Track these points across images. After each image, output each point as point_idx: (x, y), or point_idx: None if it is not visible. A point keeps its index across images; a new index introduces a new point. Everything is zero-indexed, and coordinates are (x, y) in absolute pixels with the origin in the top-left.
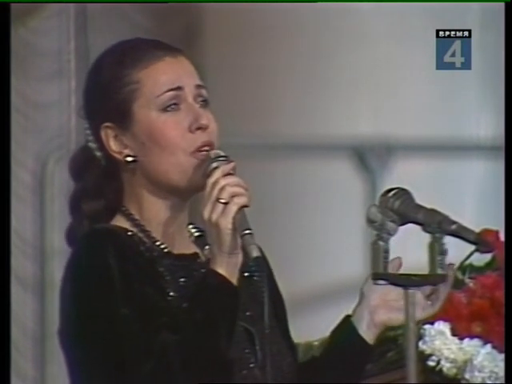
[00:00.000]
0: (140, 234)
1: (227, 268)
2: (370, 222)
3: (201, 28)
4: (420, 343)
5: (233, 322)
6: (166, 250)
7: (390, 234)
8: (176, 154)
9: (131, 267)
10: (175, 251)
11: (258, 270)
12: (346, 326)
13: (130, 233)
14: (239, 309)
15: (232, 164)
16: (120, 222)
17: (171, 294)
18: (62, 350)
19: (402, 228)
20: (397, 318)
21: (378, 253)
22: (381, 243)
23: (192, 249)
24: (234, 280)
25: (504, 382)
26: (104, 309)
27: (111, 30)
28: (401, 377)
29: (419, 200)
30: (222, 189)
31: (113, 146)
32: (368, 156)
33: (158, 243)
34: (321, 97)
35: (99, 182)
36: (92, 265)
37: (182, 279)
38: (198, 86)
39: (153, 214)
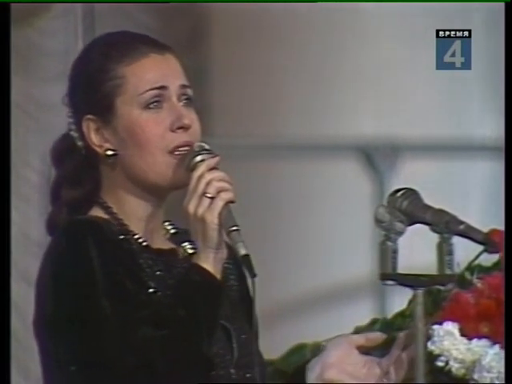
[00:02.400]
0: (118, 227)
1: (212, 263)
2: (378, 222)
3: (207, 28)
4: (429, 344)
5: (215, 318)
6: (144, 244)
7: (398, 234)
8: (154, 153)
9: (112, 259)
10: (154, 246)
11: (247, 268)
12: (301, 369)
13: (109, 224)
14: (221, 305)
15: (217, 158)
16: (98, 213)
17: (151, 287)
18: (36, 341)
19: (409, 228)
20: (346, 380)
21: (386, 253)
22: (389, 243)
23: (170, 245)
24: (218, 275)
25: (505, 382)
26: (84, 300)
27: (117, 30)
28: (409, 377)
29: (427, 200)
30: (209, 183)
31: (93, 138)
32: (375, 156)
33: (136, 237)
34: (328, 97)
35: (78, 171)
36: (72, 255)
37: (160, 273)
38: (183, 86)
39: (131, 209)
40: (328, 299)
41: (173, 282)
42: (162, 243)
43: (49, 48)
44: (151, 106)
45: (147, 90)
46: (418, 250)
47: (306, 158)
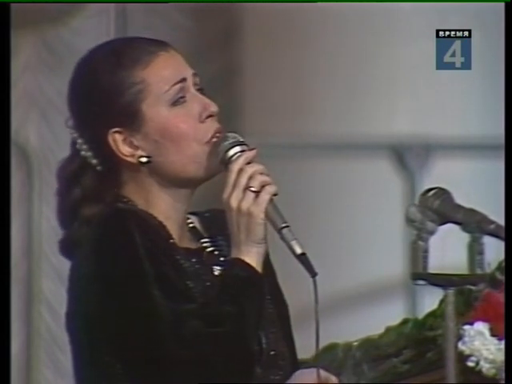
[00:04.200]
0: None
1: (255, 257)
2: (410, 221)
3: (240, 27)
4: (459, 344)
5: (261, 313)
6: (171, 241)
7: (430, 234)
8: (191, 145)
9: (156, 248)
10: (182, 245)
11: (306, 267)
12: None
13: (147, 214)
14: (265, 299)
15: (255, 151)
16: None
17: (191, 284)
18: (68, 335)
19: (441, 228)
20: None
21: (418, 253)
22: (420, 243)
23: (194, 245)
24: (260, 270)
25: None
26: (134, 289)
27: (151, 30)
28: (440, 377)
29: (458, 200)
30: (252, 177)
31: (123, 150)
32: (407, 155)
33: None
34: (360, 96)
35: (97, 188)
36: (118, 245)
37: (198, 269)
38: (195, 74)
39: (161, 209)
40: (359, 299)
41: (208, 278)
42: (188, 243)
43: (82, 47)
44: (177, 101)
45: (172, 86)
46: (449, 249)
47: (338, 157)
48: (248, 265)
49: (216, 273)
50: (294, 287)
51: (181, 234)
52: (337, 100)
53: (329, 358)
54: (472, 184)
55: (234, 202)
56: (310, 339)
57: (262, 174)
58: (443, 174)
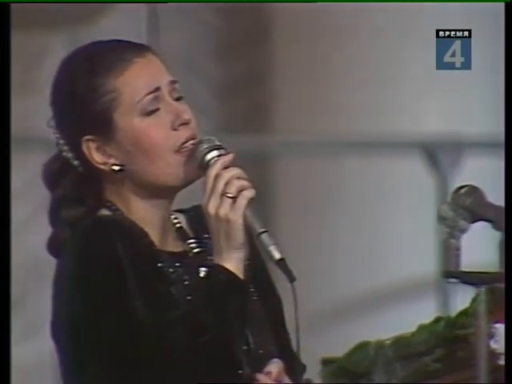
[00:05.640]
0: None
1: (235, 263)
2: (442, 219)
3: (271, 26)
4: (491, 342)
5: (244, 319)
6: (154, 248)
7: (462, 232)
8: (163, 155)
9: (139, 258)
10: (165, 249)
11: (284, 272)
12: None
13: (130, 222)
14: (247, 305)
15: (231, 155)
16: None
17: (172, 289)
18: (54, 342)
19: (473, 225)
20: None
21: (450, 250)
22: (452, 241)
23: (180, 247)
24: (242, 275)
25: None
26: (115, 301)
27: (183, 29)
28: (471, 376)
29: (490, 197)
30: (228, 182)
31: (96, 157)
32: (438, 153)
33: (150, 238)
34: (391, 94)
35: (77, 189)
36: (98, 254)
37: (177, 275)
38: (172, 82)
39: (141, 214)
40: (391, 297)
41: (191, 283)
42: (172, 246)
43: None
44: (150, 110)
45: (144, 96)
46: (480, 247)
47: (369, 156)
48: (229, 271)
49: (202, 274)
50: (320, 286)
51: (164, 237)
52: (368, 98)
53: (360, 356)
54: (503, 182)
55: (211, 209)
56: (341, 337)
57: (238, 178)
58: (475, 171)
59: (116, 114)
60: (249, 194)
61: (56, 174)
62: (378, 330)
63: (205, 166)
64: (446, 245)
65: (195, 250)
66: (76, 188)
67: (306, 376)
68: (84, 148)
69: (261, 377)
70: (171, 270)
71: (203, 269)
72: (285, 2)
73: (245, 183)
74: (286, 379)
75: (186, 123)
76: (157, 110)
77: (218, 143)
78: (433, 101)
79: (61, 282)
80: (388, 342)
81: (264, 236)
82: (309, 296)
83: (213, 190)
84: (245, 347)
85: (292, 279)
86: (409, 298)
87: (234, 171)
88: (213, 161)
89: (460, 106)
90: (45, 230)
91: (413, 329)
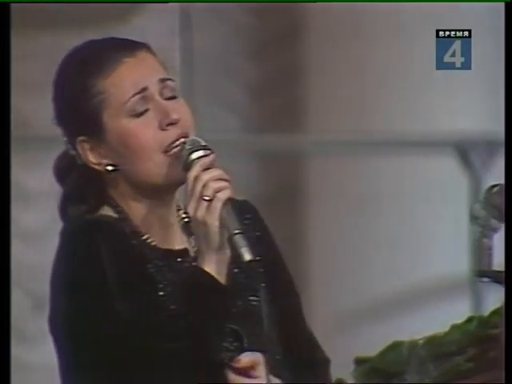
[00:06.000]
0: (129, 228)
1: (216, 266)
2: (474, 218)
3: (304, 26)
4: None
5: (222, 321)
6: (153, 244)
7: (494, 231)
8: (151, 156)
9: (123, 259)
10: (163, 247)
11: (252, 273)
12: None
13: (120, 223)
14: (229, 308)
15: (212, 156)
16: (108, 213)
17: (160, 290)
18: (51, 337)
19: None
20: None
21: (482, 250)
22: (484, 240)
23: (180, 245)
24: (223, 278)
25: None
26: (96, 302)
27: (216, 29)
28: (501, 376)
29: None
30: (205, 185)
31: (91, 158)
32: (471, 152)
33: (144, 237)
34: (423, 94)
35: (81, 188)
36: (82, 255)
37: (169, 275)
38: (162, 80)
39: (139, 212)
40: (424, 296)
41: (174, 285)
42: (171, 244)
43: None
44: (138, 111)
45: (130, 97)
46: None
47: (401, 155)
48: (207, 274)
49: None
50: (354, 286)
51: (165, 234)
52: (401, 97)
53: (393, 356)
54: None
55: (191, 212)
56: (374, 336)
57: (217, 180)
58: None
59: (105, 115)
60: (223, 195)
61: (63, 171)
62: (411, 330)
63: (188, 167)
64: (478, 244)
65: (196, 248)
66: (80, 187)
67: (338, 375)
68: (79, 148)
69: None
70: (161, 268)
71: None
72: (287, 1)
73: (222, 184)
74: (262, 374)
75: (174, 123)
76: (146, 110)
77: (203, 143)
78: (466, 100)
79: (52, 279)
80: (421, 341)
81: (237, 237)
82: (342, 296)
83: (192, 192)
84: (236, 344)
85: (260, 282)
86: (441, 298)
87: (213, 173)
88: (194, 162)
89: (492, 104)
90: None
91: (446, 328)
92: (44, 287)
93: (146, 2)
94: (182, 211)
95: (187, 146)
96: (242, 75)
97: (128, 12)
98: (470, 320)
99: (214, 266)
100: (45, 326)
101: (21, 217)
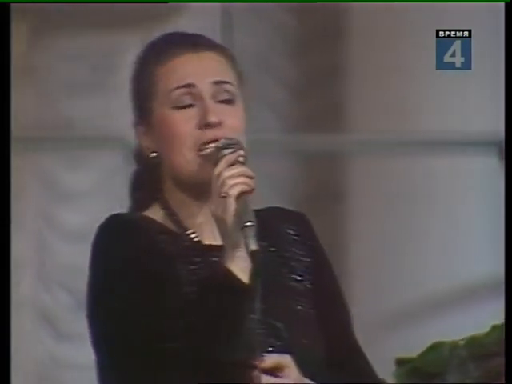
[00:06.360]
0: (171, 225)
1: (238, 263)
2: None
3: (344, 26)
4: None
5: (239, 318)
6: (196, 240)
7: None
8: (183, 151)
9: (149, 258)
10: (205, 242)
11: (254, 264)
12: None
13: (152, 223)
14: (248, 305)
15: (238, 152)
16: (155, 209)
17: (187, 288)
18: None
19: None
20: None
21: None
22: None
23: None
24: (244, 275)
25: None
26: (119, 301)
27: (256, 28)
28: None
29: None
30: (223, 182)
31: (142, 141)
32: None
33: (188, 232)
34: (463, 93)
35: (142, 175)
36: (107, 254)
37: (203, 271)
38: (218, 82)
39: (179, 204)
40: (464, 297)
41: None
42: (213, 239)
43: None
44: (181, 104)
45: (174, 89)
46: None
47: (442, 155)
48: (227, 270)
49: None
50: (395, 286)
51: (207, 231)
52: (441, 97)
53: (434, 356)
54: None
55: (212, 208)
56: (414, 337)
57: (236, 177)
58: None
59: (154, 101)
60: (234, 191)
61: (135, 158)
62: (451, 331)
63: (216, 165)
64: None
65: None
66: (141, 174)
67: (379, 376)
68: (136, 131)
69: (255, 362)
70: (198, 263)
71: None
72: (287, 1)
73: (239, 181)
74: (291, 376)
75: (212, 125)
76: (189, 106)
77: (234, 142)
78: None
79: (88, 275)
80: (462, 342)
81: (247, 229)
82: (382, 297)
83: (213, 190)
84: (278, 343)
85: (257, 272)
86: (481, 299)
87: (235, 170)
88: (220, 159)
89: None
90: None
91: (486, 329)
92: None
93: (186, 1)
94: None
95: (219, 145)
96: (283, 75)
97: (169, 12)
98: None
99: (236, 263)
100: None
101: (63, 217)
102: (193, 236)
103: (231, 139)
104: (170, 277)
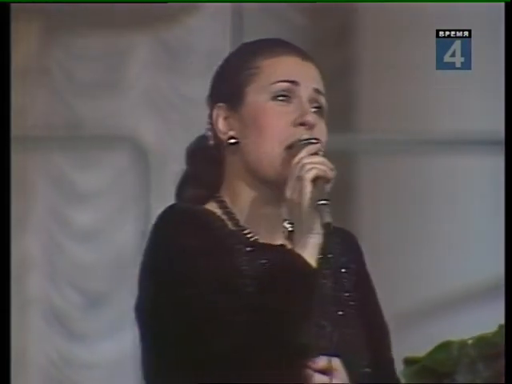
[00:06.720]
0: (228, 222)
1: (308, 249)
2: None
3: (355, 26)
4: None
5: (310, 302)
6: (252, 239)
7: None
8: (272, 144)
9: (210, 249)
10: (264, 240)
11: (327, 237)
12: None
13: (213, 216)
14: (317, 290)
15: (318, 145)
16: (211, 207)
17: (249, 286)
18: (137, 325)
19: None
20: None
21: None
22: None
23: (278, 241)
24: (313, 261)
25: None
26: (181, 286)
27: (267, 29)
28: None
29: None
30: (302, 166)
31: (220, 125)
32: None
33: (244, 232)
34: (472, 94)
35: (204, 170)
36: (168, 241)
37: (261, 266)
38: (316, 90)
39: (244, 201)
40: (472, 296)
41: (260, 271)
42: (278, 238)
43: (198, 45)
44: (280, 97)
45: (279, 81)
46: None
47: (450, 153)
48: (297, 255)
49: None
50: (402, 286)
51: (269, 229)
52: (449, 97)
53: (443, 356)
54: None
55: (287, 194)
56: (422, 337)
57: (316, 164)
58: None
59: (249, 88)
60: (310, 174)
61: (195, 153)
62: (460, 330)
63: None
64: None
65: (290, 229)
66: (204, 169)
67: None
68: (214, 114)
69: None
70: (255, 260)
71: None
72: (288, 1)
73: (317, 166)
74: (340, 378)
75: (307, 124)
76: (287, 101)
77: (315, 137)
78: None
79: (141, 267)
80: (471, 341)
81: (322, 206)
82: (391, 296)
83: (291, 175)
84: (323, 342)
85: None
86: (489, 297)
87: (314, 158)
88: (301, 148)
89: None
90: (128, 228)
91: (494, 328)
92: (98, 287)
93: (196, 1)
94: (287, 221)
95: (302, 138)
96: None
97: (180, 13)
98: None
99: (306, 249)
100: (99, 324)
101: (73, 216)
102: (249, 235)
103: (315, 137)
104: (231, 269)
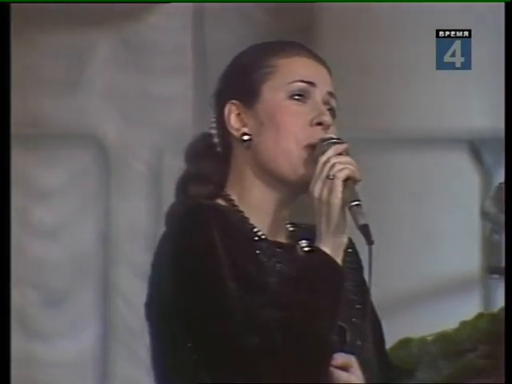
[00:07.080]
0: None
1: (332, 247)
2: (485, 214)
3: (318, 25)
4: None
5: (337, 301)
6: (263, 237)
7: (504, 227)
8: (290, 142)
9: (234, 243)
10: (270, 239)
11: (365, 236)
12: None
13: (231, 211)
14: (344, 288)
15: (345, 145)
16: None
17: (268, 278)
18: (148, 323)
19: None
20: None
21: (492, 246)
22: (495, 236)
23: (287, 240)
24: (339, 259)
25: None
26: (209, 282)
27: (229, 27)
28: None
29: None
30: (333, 166)
31: (233, 122)
32: (483, 149)
33: (255, 230)
34: (437, 92)
35: (210, 169)
36: (196, 237)
37: (279, 265)
38: (331, 94)
39: (254, 200)
40: (434, 293)
41: (285, 267)
42: (279, 238)
43: (160, 43)
44: (296, 97)
45: (296, 81)
46: None
47: (415, 152)
48: (326, 255)
49: (301, 249)
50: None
51: (274, 228)
52: (414, 95)
53: (403, 353)
54: None
55: (316, 192)
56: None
57: (345, 163)
58: None
59: (265, 85)
60: (342, 174)
61: (198, 152)
62: (420, 327)
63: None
64: (488, 240)
65: (306, 249)
66: (209, 168)
67: None
68: (226, 111)
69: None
70: (270, 257)
71: (303, 242)
72: (286, 1)
73: (345, 165)
74: (357, 375)
75: (324, 124)
76: (303, 101)
77: (336, 137)
78: (476, 98)
79: (157, 262)
80: (431, 338)
81: (355, 207)
82: None
83: (319, 174)
84: (336, 337)
85: (370, 242)
86: (452, 294)
87: (342, 158)
88: (328, 148)
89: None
90: (89, 226)
91: (455, 325)
92: (58, 283)
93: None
94: (288, 223)
95: (325, 137)
96: None
97: (142, 11)
98: (479, 317)
99: (330, 248)
100: (57, 322)
101: (36, 214)
102: (260, 233)
103: (333, 135)
104: (254, 265)
